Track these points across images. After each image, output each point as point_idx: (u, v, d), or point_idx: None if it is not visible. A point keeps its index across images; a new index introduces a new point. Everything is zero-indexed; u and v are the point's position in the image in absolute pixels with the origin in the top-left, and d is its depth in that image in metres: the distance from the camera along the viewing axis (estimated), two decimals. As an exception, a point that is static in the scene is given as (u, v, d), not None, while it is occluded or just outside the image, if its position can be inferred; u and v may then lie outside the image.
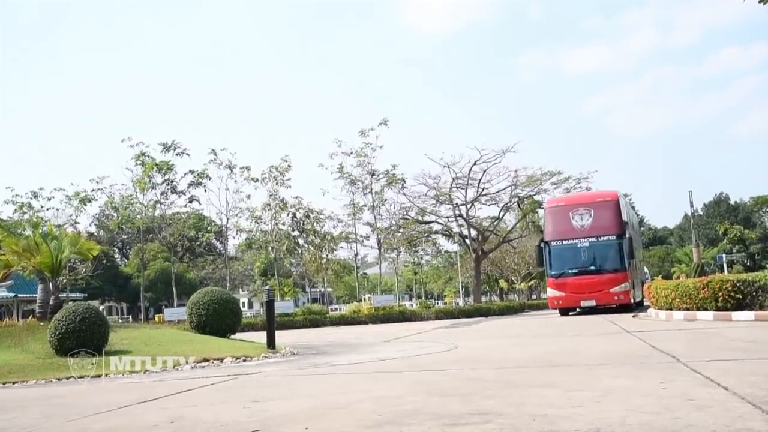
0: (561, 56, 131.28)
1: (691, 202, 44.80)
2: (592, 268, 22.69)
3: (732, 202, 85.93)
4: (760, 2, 10.68)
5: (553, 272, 23.37)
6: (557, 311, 24.16)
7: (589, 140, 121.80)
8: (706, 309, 14.17)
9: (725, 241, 37.11)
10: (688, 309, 14.92)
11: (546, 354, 8.84)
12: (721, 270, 39.74)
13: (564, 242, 23.10)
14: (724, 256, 40.09)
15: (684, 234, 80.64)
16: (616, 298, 22.05)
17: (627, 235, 22.55)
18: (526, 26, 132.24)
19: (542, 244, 24.02)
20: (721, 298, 13.76)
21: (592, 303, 22.43)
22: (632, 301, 22.71)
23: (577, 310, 23.62)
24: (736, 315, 13.22)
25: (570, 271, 22.90)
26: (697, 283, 14.72)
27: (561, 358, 8.08)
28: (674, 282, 17.24)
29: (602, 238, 22.61)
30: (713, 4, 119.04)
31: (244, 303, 68.99)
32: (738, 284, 13.65)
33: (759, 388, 4.66)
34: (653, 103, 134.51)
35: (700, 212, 79.55)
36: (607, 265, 22.61)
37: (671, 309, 15.82)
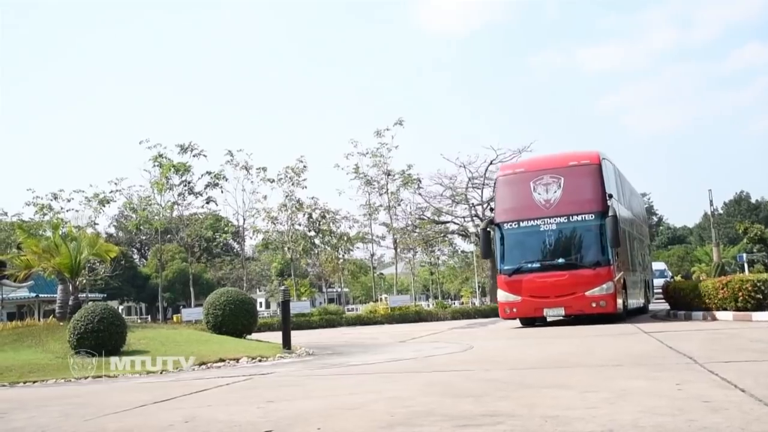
0: (577, 55, 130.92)
1: (711, 201, 44.52)
2: (561, 261, 15.88)
3: (753, 200, 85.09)
4: None
5: (505, 267, 16.46)
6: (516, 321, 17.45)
7: (606, 139, 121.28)
8: (725, 309, 14.04)
9: (745, 240, 36.61)
10: (707, 309, 14.78)
11: (561, 354, 8.81)
12: (742, 269, 39.28)
13: (521, 224, 16.32)
14: (744, 255, 39.66)
15: (704, 233, 79.93)
16: (593, 304, 15.32)
17: (611, 213, 15.30)
18: (542, 26, 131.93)
19: (490, 227, 17.00)
20: (741, 298, 13.62)
21: (560, 311, 16.05)
22: (619, 308, 15.87)
23: (547, 320, 17.43)
24: (757, 315, 13.08)
25: (529, 265, 16.14)
26: (716, 283, 14.58)
27: (576, 359, 8.04)
28: (693, 282, 17.10)
29: (575, 218, 15.82)
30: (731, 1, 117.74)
31: (261, 303, 69.33)
32: (758, 284, 13.49)
33: (776, 389, 4.61)
34: (671, 100, 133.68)
35: (720, 211, 78.82)
36: (581, 256, 15.92)
37: (690, 309, 15.69)
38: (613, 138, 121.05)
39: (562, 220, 15.93)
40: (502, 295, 16.56)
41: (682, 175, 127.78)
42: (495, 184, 18.22)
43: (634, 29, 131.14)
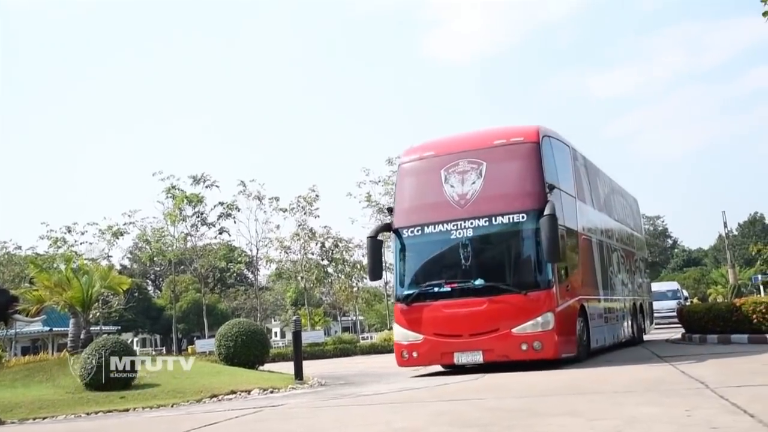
0: (588, 80, 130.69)
1: (725, 223, 44.39)
2: (479, 283, 11.07)
3: (767, 221, 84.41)
4: (764, 15, 10.87)
5: (402, 292, 11.77)
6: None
7: (618, 162, 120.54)
8: (740, 332, 13.89)
9: (759, 261, 36.31)
10: (722, 332, 14.63)
11: (572, 380, 8.74)
12: (758, 291, 38.90)
13: (425, 230, 11.55)
14: (759, 276, 39.30)
15: (719, 255, 79.19)
16: (523, 346, 10.58)
17: (547, 212, 10.54)
18: (552, 52, 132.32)
19: (378, 236, 12.43)
20: (756, 320, 13.48)
21: (476, 357, 10.92)
22: (567, 350, 11.16)
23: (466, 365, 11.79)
24: (772, 338, 12.93)
25: (434, 290, 11.35)
26: (731, 306, 14.43)
27: (587, 385, 7.97)
28: (707, 304, 16.93)
29: (500, 220, 11.11)
30: (741, 24, 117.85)
31: (276, 333, 69.30)
32: (772, 306, 13.36)
33: (786, 414, 4.56)
34: (683, 123, 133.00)
35: (735, 233, 78.13)
36: (507, 275, 11.33)
37: (705, 332, 15.53)
38: (625, 161, 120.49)
39: (482, 222, 11.17)
40: (399, 333, 11.75)
41: (695, 198, 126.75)
42: (397, 173, 13.13)
43: (645, 53, 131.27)
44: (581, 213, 13.36)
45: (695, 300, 43.40)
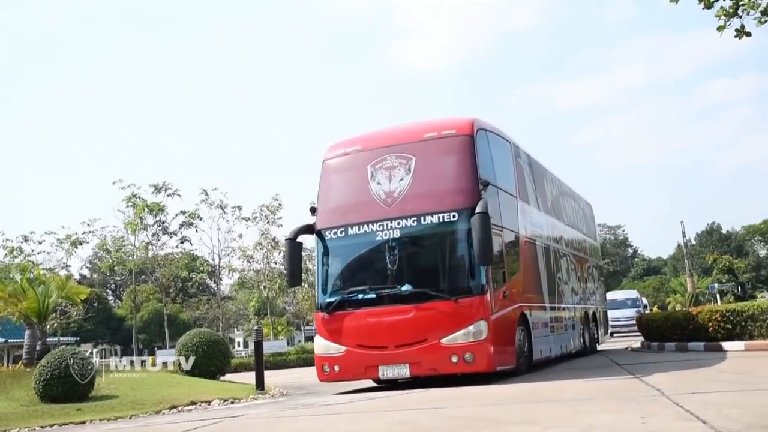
0: (552, 91, 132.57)
1: (684, 232, 45.31)
2: (405, 289, 10.18)
3: (724, 231, 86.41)
4: (735, 36, 10.90)
5: (324, 300, 10.83)
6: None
7: (581, 172, 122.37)
8: (697, 339, 14.16)
9: (715, 270, 37.18)
10: (679, 340, 14.90)
11: (534, 388, 8.81)
12: (715, 300, 39.73)
13: (349, 231, 10.65)
14: (716, 285, 40.20)
15: (678, 264, 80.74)
16: (453, 358, 9.70)
17: (480, 210, 9.65)
18: (517, 63, 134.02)
19: (295, 238, 11.24)
20: (711, 328, 13.76)
21: (404, 371, 10.04)
22: (502, 362, 10.24)
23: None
24: (727, 345, 13.18)
25: (357, 296, 10.47)
26: (687, 314, 14.72)
27: (548, 393, 8.05)
28: (665, 313, 17.23)
29: (429, 220, 10.20)
30: (701, 38, 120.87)
31: (239, 343, 68.68)
32: (727, 314, 13.62)
33: (736, 420, 4.66)
34: (645, 134, 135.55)
35: (693, 242, 79.82)
36: (436, 280, 10.38)
37: (663, 340, 15.80)
38: (589, 170, 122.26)
39: (410, 222, 10.27)
40: (320, 345, 10.77)
41: (656, 207, 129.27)
42: (321, 171, 11.65)
43: (608, 65, 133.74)
44: (523, 214, 12.58)
45: (655, 308, 44.17)
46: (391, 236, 10.26)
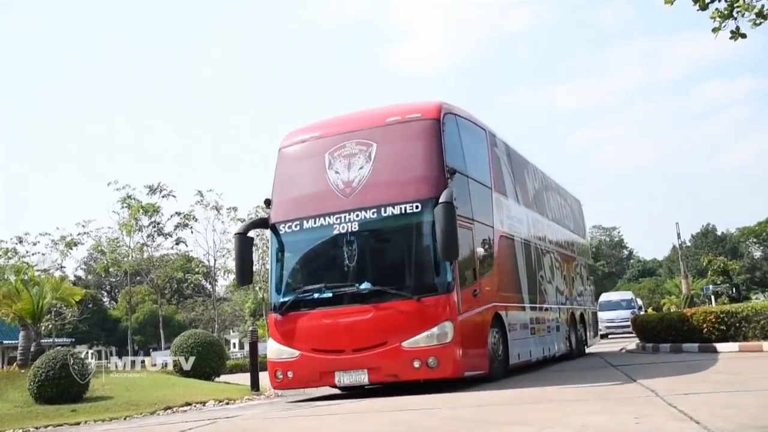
0: (548, 93, 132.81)
1: (679, 234, 45.15)
2: (364, 287, 9.35)
3: (719, 233, 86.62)
4: (730, 38, 10.92)
5: (278, 299, 9.92)
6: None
7: (577, 174, 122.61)
8: (691, 341, 14.20)
9: (710, 272, 37.36)
10: (674, 341, 14.94)
11: (531, 390, 8.81)
12: (710, 301, 39.85)
13: (304, 225, 9.74)
14: (710, 287, 40.34)
15: (673, 265, 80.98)
16: (416, 363, 8.84)
17: (444, 199, 8.81)
18: (513, 65, 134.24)
19: (246, 233, 10.38)
20: (706, 329, 13.81)
21: (362, 377, 9.16)
22: (471, 367, 9.36)
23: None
24: (721, 346, 13.24)
25: (312, 296, 9.63)
26: (682, 316, 14.77)
27: (542, 394, 8.06)
28: (659, 314, 17.28)
29: (390, 211, 9.32)
30: (696, 39, 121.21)
31: (235, 344, 68.61)
32: (721, 316, 13.68)
33: (729, 421, 4.68)
34: (640, 136, 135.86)
35: (688, 243, 80.00)
36: (397, 277, 9.53)
37: (658, 342, 15.84)
38: (584, 172, 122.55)
39: (369, 214, 9.39)
40: (273, 349, 9.83)
41: (651, 209, 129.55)
42: (276, 160, 10.69)
43: (603, 67, 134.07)
44: (499, 207, 11.64)
45: (650, 309, 44.22)
46: (349, 229, 9.41)
